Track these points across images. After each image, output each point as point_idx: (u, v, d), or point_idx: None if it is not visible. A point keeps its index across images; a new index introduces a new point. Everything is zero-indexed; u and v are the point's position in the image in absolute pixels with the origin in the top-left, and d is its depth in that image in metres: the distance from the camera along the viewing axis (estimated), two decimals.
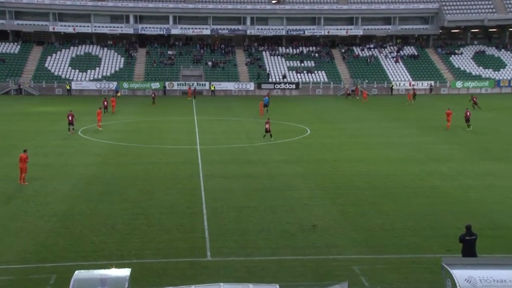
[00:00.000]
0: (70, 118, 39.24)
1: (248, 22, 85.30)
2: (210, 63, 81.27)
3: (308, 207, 22.16)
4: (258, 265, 16.43)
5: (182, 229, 19.40)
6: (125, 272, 11.78)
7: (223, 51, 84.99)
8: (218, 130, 42.56)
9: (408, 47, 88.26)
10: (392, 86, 77.44)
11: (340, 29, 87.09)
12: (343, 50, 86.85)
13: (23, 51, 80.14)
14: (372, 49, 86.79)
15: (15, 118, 48.18)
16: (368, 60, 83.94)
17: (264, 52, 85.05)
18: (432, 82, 79.57)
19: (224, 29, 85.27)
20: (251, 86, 77.31)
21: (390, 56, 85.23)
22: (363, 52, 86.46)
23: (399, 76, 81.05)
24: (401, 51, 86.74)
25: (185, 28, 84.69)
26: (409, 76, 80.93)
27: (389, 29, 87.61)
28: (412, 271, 16.08)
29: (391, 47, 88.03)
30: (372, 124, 45.63)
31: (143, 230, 19.21)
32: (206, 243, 18.07)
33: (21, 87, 72.56)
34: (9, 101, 63.27)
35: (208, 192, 24.07)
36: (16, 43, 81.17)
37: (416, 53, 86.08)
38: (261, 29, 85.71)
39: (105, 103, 51.13)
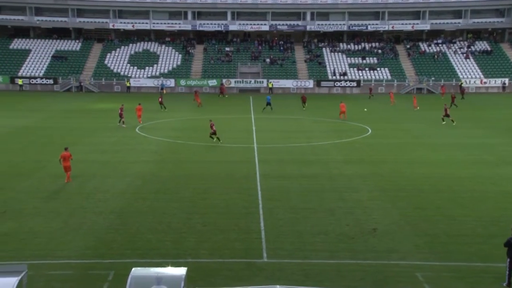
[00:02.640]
0: (120, 112, 42.54)
1: (308, 17, 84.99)
2: (268, 60, 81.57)
3: (368, 209, 21.89)
4: (315, 268, 16.41)
5: (237, 229, 19.63)
6: (181, 271, 12.09)
7: (281, 48, 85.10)
8: (276, 129, 42.67)
9: (480, 42, 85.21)
10: (462, 84, 74.98)
11: (406, 23, 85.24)
12: (408, 46, 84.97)
13: (84, 48, 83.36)
14: (440, 45, 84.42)
15: (75, 115, 50.17)
16: (435, 56, 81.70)
17: (324, 49, 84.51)
18: (507, 80, 76.46)
19: (283, 25, 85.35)
20: (310, 83, 77.02)
21: (459, 52, 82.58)
22: (430, 48, 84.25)
23: (469, 73, 78.41)
24: (472, 47, 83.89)
25: (243, 24, 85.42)
26: (480, 73, 78.17)
27: (459, 23, 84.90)
28: (480, 281, 15.59)
29: (461, 42, 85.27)
30: (437, 124, 44.40)
31: (198, 229, 19.58)
32: (262, 244, 18.21)
33: (82, 84, 75.50)
34: (70, 98, 65.97)
35: (264, 192, 24.21)
36: (77, 41, 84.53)
37: (489, 49, 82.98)
38: (322, 24, 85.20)
39: (160, 99, 53.77)
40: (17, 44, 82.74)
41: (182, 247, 17.89)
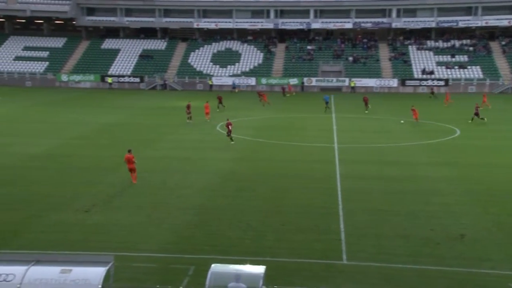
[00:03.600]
0: (188, 109, 44.45)
1: (394, 14, 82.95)
2: (351, 58, 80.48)
3: (455, 214, 21.08)
4: (396, 273, 16.03)
5: (316, 229, 19.55)
6: (260, 269, 12.23)
7: (365, 46, 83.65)
8: (357, 129, 42.06)
9: None
10: None
11: (501, 19, 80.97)
12: (503, 43, 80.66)
13: (169, 47, 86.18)
14: None
15: (159, 112, 51.99)
16: None
17: (410, 46, 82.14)
18: None
19: (367, 22, 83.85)
20: (394, 82, 75.15)
21: None
22: None
23: None
24: None
25: (326, 22, 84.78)
26: None
27: None
28: None
29: None
30: None
31: (277, 228, 19.69)
32: (342, 245, 18.03)
33: (166, 82, 78.10)
34: (154, 95, 68.44)
35: (344, 193, 23.95)
36: (163, 40, 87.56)
37: None
38: (408, 21, 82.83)
39: (220, 98, 54.40)
40: (108, 44, 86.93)
41: (260, 246, 18.08)
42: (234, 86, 74.08)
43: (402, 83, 74.82)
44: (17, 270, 12.37)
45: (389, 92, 73.02)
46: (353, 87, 73.75)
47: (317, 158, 31.27)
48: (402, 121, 43.77)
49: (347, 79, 75.87)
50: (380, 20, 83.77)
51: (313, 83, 76.41)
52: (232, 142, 34.89)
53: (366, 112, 50.81)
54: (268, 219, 20.66)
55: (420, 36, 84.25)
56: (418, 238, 18.58)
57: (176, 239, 18.72)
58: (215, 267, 12.39)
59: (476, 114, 43.58)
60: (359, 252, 17.52)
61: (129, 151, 25.68)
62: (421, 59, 79.06)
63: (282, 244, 18.20)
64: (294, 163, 30.07)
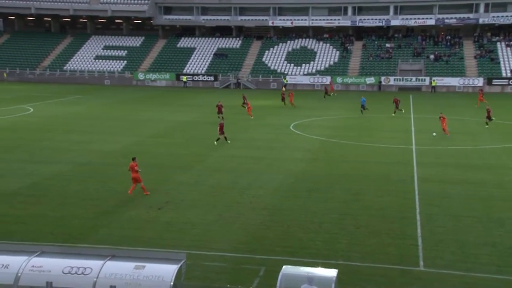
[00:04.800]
0: (218, 109, 45.39)
1: (482, 9, 79.61)
2: (432, 56, 78.05)
3: None
4: (479, 283, 15.36)
5: (392, 234, 19.09)
6: (332, 272, 12.08)
7: (448, 43, 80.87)
8: (437, 130, 40.69)
9: None
10: None
11: None
12: None
13: (244, 46, 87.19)
14: None
15: (233, 110, 52.61)
16: None
17: (498, 43, 78.56)
18: None
19: (451, 18, 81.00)
20: (479, 81, 72.13)
21: None
22: None
23: None
24: None
25: (407, 19, 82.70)
26: None
27: None
28: None
29: None
30: None
31: (350, 231, 19.41)
32: (419, 251, 17.50)
33: (239, 81, 79.04)
34: (228, 94, 69.36)
35: (423, 197, 23.24)
36: (238, 38, 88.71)
37: None
38: (497, 16, 79.23)
39: (284, 95, 55.17)
40: (184, 42, 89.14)
41: (333, 248, 17.88)
42: (284, 84, 72.50)
43: (489, 82, 71.71)
44: (94, 264, 12.91)
45: (473, 91, 70.15)
46: (434, 87, 71.49)
47: (394, 160, 30.54)
48: (434, 134, 38.00)
49: (427, 78, 73.70)
50: (465, 15, 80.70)
51: (391, 82, 74.79)
52: (228, 141, 35.17)
53: (393, 115, 48.61)
54: (342, 221, 20.40)
55: (510, 32, 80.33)
56: (505, 247, 17.71)
57: (247, 239, 18.86)
58: (286, 269, 12.36)
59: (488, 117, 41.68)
60: (438, 258, 16.93)
61: (133, 159, 24.07)
62: (510, 57, 75.40)
63: (355, 248, 17.90)
64: (369, 164, 29.53)
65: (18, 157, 31.05)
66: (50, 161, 30.00)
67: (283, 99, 54.65)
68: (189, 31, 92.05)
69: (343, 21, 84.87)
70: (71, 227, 19.76)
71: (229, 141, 35.14)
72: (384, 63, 78.94)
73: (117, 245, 17.47)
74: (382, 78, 74.93)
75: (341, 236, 18.92)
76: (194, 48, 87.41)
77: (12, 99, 59.74)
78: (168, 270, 12.66)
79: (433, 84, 71.85)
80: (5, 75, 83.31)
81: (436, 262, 16.70)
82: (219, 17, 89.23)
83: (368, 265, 16.57)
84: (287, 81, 76.45)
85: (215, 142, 34.78)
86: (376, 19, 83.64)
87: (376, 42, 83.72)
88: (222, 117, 43.19)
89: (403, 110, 50.06)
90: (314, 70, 79.65)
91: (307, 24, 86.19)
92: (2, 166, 28.68)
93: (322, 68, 79.96)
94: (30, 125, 42.58)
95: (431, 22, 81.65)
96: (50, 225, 19.92)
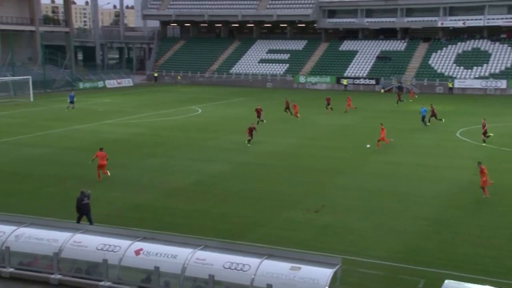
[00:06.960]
0: (258, 113, 44.55)
1: None
2: None
3: None
4: None
5: None
6: None
7: None
8: None
9: None
10: None
11: None
12: None
13: (409, 48, 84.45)
14: None
15: (392, 115, 51.16)
16: None
17: None
18: None
19: None
20: None
21: None
22: None
23: None
24: None
25: None
26: None
27: None
28: None
29: None
30: None
31: None
32: None
33: (401, 84, 76.59)
34: (388, 98, 67.46)
35: None
36: (403, 41, 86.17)
37: None
38: None
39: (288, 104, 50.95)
40: (346, 45, 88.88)
41: (503, 266, 16.59)
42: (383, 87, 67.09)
43: None
44: (252, 261, 13.47)
45: None
46: None
47: None
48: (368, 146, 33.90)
49: None
50: None
51: None
52: (249, 145, 34.72)
53: (428, 124, 43.10)
54: None
55: None
56: None
57: (405, 248, 18.23)
58: (449, 283, 11.74)
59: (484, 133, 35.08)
60: None
61: (101, 149, 26.80)
62: None
63: None
64: None
65: (186, 154, 33.37)
66: (214, 160, 31.77)
67: (287, 108, 50.76)
68: (352, 34, 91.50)
69: None
70: (231, 223, 20.73)
71: (249, 145, 35.01)
72: None
73: (273, 245, 17.93)
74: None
75: None
76: (356, 51, 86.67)
77: (184, 101, 64.42)
78: (324, 274, 12.73)
79: None
80: (179, 78, 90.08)
81: None
82: (384, 19, 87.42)
83: None
84: (452, 84, 72.43)
85: (248, 144, 35.15)
86: None
87: None
88: (258, 121, 42.90)
89: (440, 120, 44.33)
90: (487, 73, 74.47)
91: (481, 24, 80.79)
92: (173, 163, 31.03)
93: (497, 71, 74.45)
94: (198, 125, 45.54)
95: None
96: (213, 220, 21.09)
